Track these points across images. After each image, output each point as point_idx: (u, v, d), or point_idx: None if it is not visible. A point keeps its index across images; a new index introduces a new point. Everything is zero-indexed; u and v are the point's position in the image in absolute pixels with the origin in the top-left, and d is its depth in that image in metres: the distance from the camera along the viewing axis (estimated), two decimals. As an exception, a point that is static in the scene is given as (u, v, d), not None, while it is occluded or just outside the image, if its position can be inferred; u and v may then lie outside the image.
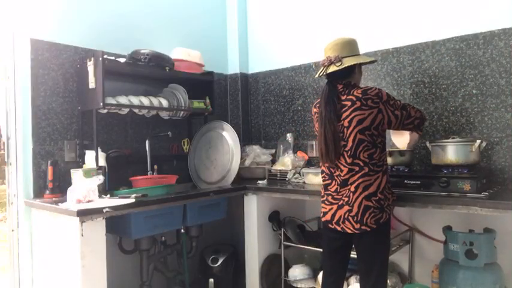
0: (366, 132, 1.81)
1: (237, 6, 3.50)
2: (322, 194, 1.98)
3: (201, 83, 3.02)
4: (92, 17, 2.59)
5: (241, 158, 3.00)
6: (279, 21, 3.33)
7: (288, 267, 2.70)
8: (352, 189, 1.82)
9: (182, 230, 2.63)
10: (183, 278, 2.76)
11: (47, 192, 2.26)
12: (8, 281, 2.39)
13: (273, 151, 3.15)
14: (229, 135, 2.94)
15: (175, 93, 2.86)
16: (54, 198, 2.22)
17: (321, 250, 2.04)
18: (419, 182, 2.11)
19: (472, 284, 2.05)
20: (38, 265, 2.28)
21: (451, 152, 2.16)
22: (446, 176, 2.05)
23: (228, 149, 2.90)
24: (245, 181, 2.88)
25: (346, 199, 1.84)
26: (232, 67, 3.54)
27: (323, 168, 1.98)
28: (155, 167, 2.78)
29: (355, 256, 1.96)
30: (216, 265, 2.80)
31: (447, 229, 2.20)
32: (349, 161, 1.83)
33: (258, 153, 3.11)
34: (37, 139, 2.34)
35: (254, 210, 2.67)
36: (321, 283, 2.09)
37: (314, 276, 2.60)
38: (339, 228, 1.88)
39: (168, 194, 2.43)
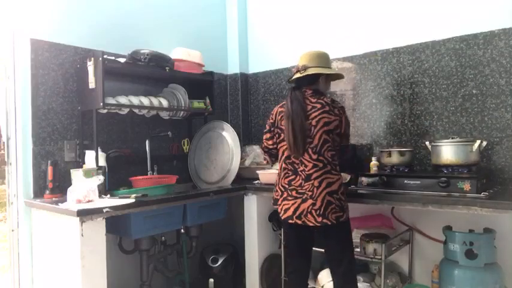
0: (330, 134, 1.99)
1: (237, 6, 3.50)
2: (282, 191, 2.04)
3: (201, 83, 3.02)
4: (91, 17, 2.59)
5: (241, 158, 2.99)
6: (279, 21, 3.33)
7: (288, 267, 2.70)
8: (316, 184, 1.93)
9: (182, 230, 2.63)
10: (183, 278, 2.76)
11: (47, 192, 2.26)
12: (8, 281, 2.39)
13: (273, 151, 3.15)
14: (229, 135, 2.94)
15: (175, 93, 2.86)
16: (54, 198, 2.22)
17: (289, 248, 2.20)
18: (419, 182, 2.11)
19: (472, 284, 2.05)
20: (38, 265, 2.28)
21: (451, 152, 2.16)
22: (446, 176, 2.05)
23: (228, 149, 2.90)
24: (245, 181, 2.88)
25: (310, 193, 1.94)
26: (232, 67, 3.54)
27: (284, 165, 2.05)
28: (155, 167, 2.79)
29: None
30: (216, 265, 2.80)
31: (447, 229, 2.20)
32: (314, 157, 1.96)
33: (258, 153, 3.11)
34: (37, 139, 2.34)
35: (254, 210, 2.67)
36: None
37: (314, 277, 2.60)
38: (299, 222, 1.96)
39: (168, 194, 2.43)
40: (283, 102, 2.11)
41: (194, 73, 2.90)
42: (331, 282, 2.40)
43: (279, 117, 2.10)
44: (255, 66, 3.52)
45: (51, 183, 2.26)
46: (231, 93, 3.54)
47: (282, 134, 2.06)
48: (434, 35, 2.51)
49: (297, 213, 1.96)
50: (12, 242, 2.34)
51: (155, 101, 2.69)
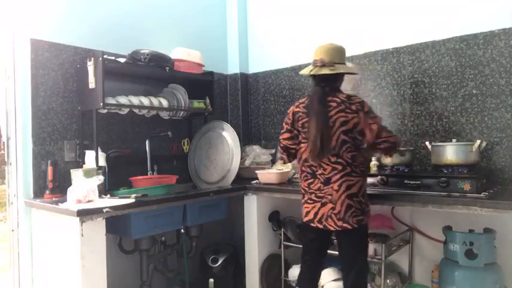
0: (349, 134, 1.89)
1: (237, 6, 3.50)
2: (303, 194, 2.02)
3: (201, 83, 3.02)
4: (91, 17, 2.59)
5: (241, 158, 2.99)
6: (279, 21, 3.33)
7: (288, 267, 2.70)
8: (335, 187, 1.88)
9: (182, 230, 2.63)
10: (183, 278, 2.76)
11: (47, 192, 2.26)
12: (8, 281, 2.39)
13: (273, 151, 3.15)
14: (229, 135, 2.94)
15: (175, 93, 2.86)
16: (54, 198, 2.22)
17: (306, 249, 2.15)
18: (419, 182, 2.11)
19: (472, 284, 2.05)
20: (38, 265, 2.28)
21: (451, 152, 2.16)
22: (446, 176, 2.05)
23: (228, 149, 2.90)
24: (245, 181, 2.88)
25: (330, 197, 1.90)
26: (232, 67, 3.54)
27: (304, 168, 2.01)
28: (155, 167, 2.79)
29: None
30: (216, 265, 2.80)
31: (447, 229, 2.20)
32: (332, 159, 1.89)
33: (258, 153, 3.11)
34: (37, 139, 2.34)
35: (254, 210, 2.67)
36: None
37: (314, 276, 2.60)
38: (320, 226, 1.93)
39: (168, 194, 2.43)
40: (299, 102, 2.04)
41: (194, 73, 2.90)
42: (331, 282, 2.41)
43: (296, 117, 2.02)
44: (255, 66, 3.51)
45: (51, 183, 2.26)
46: (231, 93, 3.54)
47: (300, 136, 2.00)
48: (434, 35, 2.51)
49: (318, 217, 1.93)
50: (12, 242, 2.34)
51: (155, 101, 2.69)
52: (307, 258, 2.12)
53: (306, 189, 2.00)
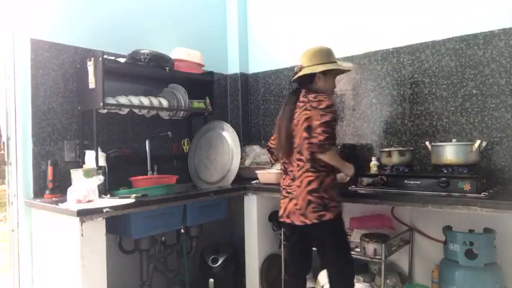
0: (310, 131, 1.93)
1: (237, 6, 3.50)
2: (281, 191, 2.11)
3: (201, 83, 3.02)
4: (91, 17, 2.59)
5: (241, 158, 2.99)
6: (279, 21, 3.33)
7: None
8: (298, 183, 1.97)
9: (182, 230, 2.63)
10: (183, 278, 2.76)
11: (47, 192, 2.26)
12: (8, 281, 2.39)
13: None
14: (229, 135, 2.94)
15: (175, 93, 2.86)
16: (54, 198, 2.22)
17: (287, 247, 2.27)
18: (419, 182, 2.11)
19: (472, 284, 2.05)
20: (38, 265, 2.28)
21: (451, 152, 2.16)
22: (446, 176, 2.05)
23: (228, 149, 2.90)
24: (245, 181, 2.87)
25: (295, 193, 1.98)
26: (232, 67, 3.54)
27: (280, 165, 2.13)
28: (155, 167, 2.79)
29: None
30: (216, 265, 2.80)
31: (447, 229, 2.20)
32: (296, 156, 1.98)
33: (258, 153, 3.11)
34: (37, 139, 2.34)
35: (254, 210, 2.67)
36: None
37: (314, 276, 2.60)
38: (288, 221, 2.00)
39: (168, 194, 2.43)
40: None
41: (194, 73, 2.90)
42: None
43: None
44: (255, 66, 3.51)
45: (51, 183, 2.26)
46: (231, 93, 3.54)
47: None
48: (434, 35, 2.51)
49: (286, 212, 2.02)
50: (12, 242, 2.34)
51: (155, 101, 2.69)
52: (292, 263, 2.18)
53: (282, 185, 2.10)
